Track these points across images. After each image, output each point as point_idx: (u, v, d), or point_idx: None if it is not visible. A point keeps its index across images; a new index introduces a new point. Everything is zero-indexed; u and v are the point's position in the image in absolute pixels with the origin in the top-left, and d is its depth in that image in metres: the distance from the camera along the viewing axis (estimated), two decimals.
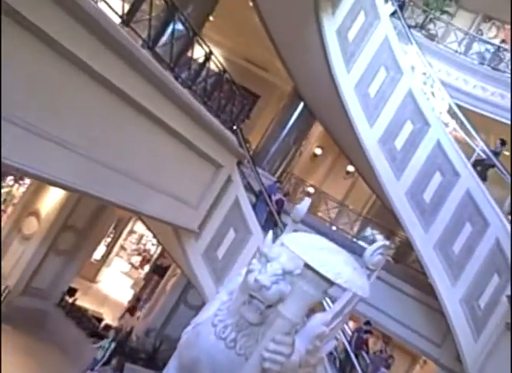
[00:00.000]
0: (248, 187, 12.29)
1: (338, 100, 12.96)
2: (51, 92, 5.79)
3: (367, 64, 12.91)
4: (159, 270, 20.94)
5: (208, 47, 9.26)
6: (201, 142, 9.47)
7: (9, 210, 18.26)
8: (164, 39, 8.31)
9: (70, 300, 17.17)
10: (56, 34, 5.29)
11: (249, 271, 3.59)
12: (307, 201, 6.42)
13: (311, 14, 12.06)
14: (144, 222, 14.61)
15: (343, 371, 11.78)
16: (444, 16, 17.66)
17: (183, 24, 8.35)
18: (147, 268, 25.24)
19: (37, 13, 4.98)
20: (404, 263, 15.59)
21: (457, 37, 17.07)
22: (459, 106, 13.53)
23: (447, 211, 11.97)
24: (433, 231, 11.91)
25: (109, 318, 18.38)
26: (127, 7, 6.97)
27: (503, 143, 13.26)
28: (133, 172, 8.03)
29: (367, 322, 13.72)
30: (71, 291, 17.62)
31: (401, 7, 14.67)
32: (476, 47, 16.96)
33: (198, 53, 9.29)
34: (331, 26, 12.47)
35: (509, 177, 12.34)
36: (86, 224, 17.14)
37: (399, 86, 12.82)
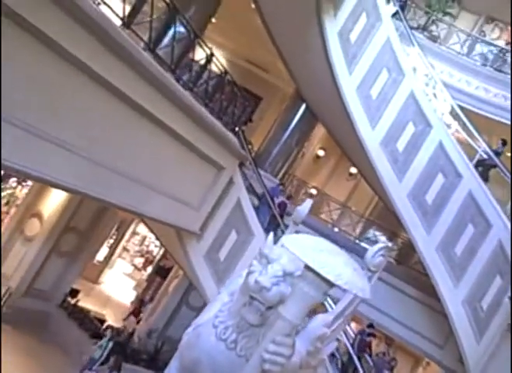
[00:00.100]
0: (250, 189, 12.28)
1: (340, 102, 12.95)
2: (52, 93, 5.80)
3: (369, 65, 12.91)
4: (161, 272, 20.98)
5: (210, 49, 9.27)
6: (203, 144, 9.47)
7: (12, 211, 18.31)
8: (165, 41, 8.32)
9: (72, 301, 17.19)
10: (57, 36, 5.30)
11: (249, 272, 3.59)
12: (308, 203, 6.43)
13: (313, 16, 12.07)
14: (146, 224, 14.62)
15: None
16: (447, 18, 17.67)
17: (184, 26, 8.36)
18: (150, 269, 25.28)
19: (38, 15, 4.99)
20: (406, 265, 15.56)
21: (459, 39, 17.07)
22: (461, 108, 13.52)
23: (450, 213, 11.96)
24: (436, 232, 11.89)
25: (111, 320, 18.38)
26: (128, 9, 6.97)
27: (504, 143, 13.26)
28: (134, 173, 8.03)
29: (370, 325, 13.71)
30: (74, 293, 17.63)
31: (403, 8, 14.67)
32: (479, 48, 16.96)
33: (200, 55, 9.30)
34: (332, 27, 12.47)
35: (509, 176, 12.34)
36: (88, 225, 17.17)
37: (401, 88, 12.82)
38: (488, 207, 11.82)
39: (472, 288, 11.48)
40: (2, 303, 14.88)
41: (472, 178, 12.07)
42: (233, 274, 10.56)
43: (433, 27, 17.33)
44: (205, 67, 9.38)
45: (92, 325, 16.29)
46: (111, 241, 24.60)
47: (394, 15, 13.62)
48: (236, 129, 11.15)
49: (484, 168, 12.47)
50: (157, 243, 25.38)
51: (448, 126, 13.00)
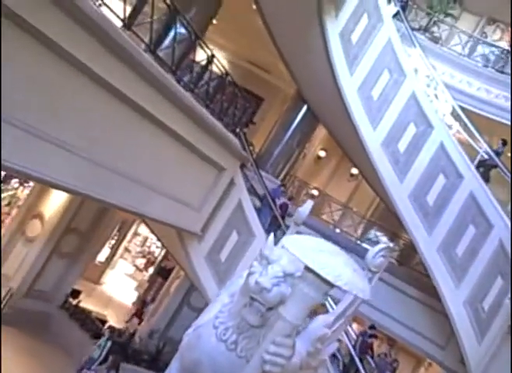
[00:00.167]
0: (252, 190, 12.28)
1: (341, 103, 12.95)
2: (52, 94, 5.80)
3: (370, 66, 12.91)
4: (163, 273, 20.97)
5: (211, 50, 9.27)
6: (204, 145, 9.48)
7: (14, 212, 18.33)
8: (166, 42, 8.33)
9: (73, 302, 17.19)
10: (57, 37, 5.30)
11: (250, 273, 3.60)
12: (309, 204, 6.44)
13: (314, 17, 12.06)
14: (147, 225, 14.63)
15: None
16: (448, 19, 17.66)
17: (185, 27, 8.37)
18: (151, 270, 25.28)
19: (38, 16, 4.99)
20: (407, 266, 15.56)
21: (461, 40, 17.06)
22: (463, 108, 13.51)
23: (451, 213, 11.95)
24: (437, 233, 11.88)
25: (113, 320, 18.38)
26: (129, 9, 6.98)
27: (504, 143, 13.26)
28: (135, 174, 8.04)
29: (372, 326, 13.69)
30: (75, 293, 17.63)
31: (404, 8, 14.67)
32: (480, 49, 16.95)
33: (201, 56, 9.31)
34: (334, 28, 12.46)
35: (509, 176, 12.34)
36: (89, 226, 17.18)
37: (402, 89, 12.82)
38: (489, 207, 11.81)
39: (473, 289, 11.47)
40: (4, 304, 14.88)
41: (473, 179, 12.06)
42: (234, 275, 10.56)
43: (435, 28, 17.33)
44: (205, 68, 9.39)
45: (93, 326, 16.27)
46: (113, 241, 24.60)
47: (395, 15, 13.62)
48: (237, 130, 11.14)
49: (485, 168, 12.47)
50: (159, 244, 25.35)
51: (449, 127, 12.99)
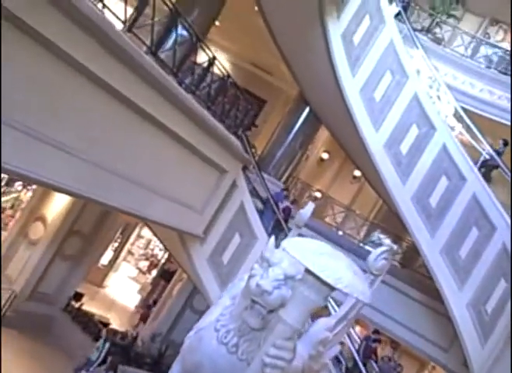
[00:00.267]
0: (254, 193, 12.27)
1: (344, 104, 12.92)
2: (53, 96, 5.79)
3: (372, 68, 12.87)
4: (166, 275, 20.97)
5: (212, 52, 9.26)
6: (205, 147, 9.46)
7: (17, 215, 18.37)
8: (168, 44, 8.32)
9: (76, 305, 17.20)
10: (57, 38, 5.29)
11: (251, 276, 3.59)
12: (310, 206, 6.43)
13: (316, 18, 12.04)
14: (150, 227, 14.62)
15: None
16: (451, 20, 17.62)
17: (186, 30, 8.36)
18: (155, 273, 25.28)
19: (38, 18, 4.98)
20: (410, 268, 15.50)
21: (463, 41, 17.02)
22: (465, 110, 13.48)
23: (454, 216, 11.91)
24: (440, 235, 11.84)
25: (116, 323, 18.39)
26: (130, 11, 6.97)
27: (505, 143, 13.24)
28: (136, 176, 8.02)
29: (376, 331, 13.64)
30: (78, 296, 17.65)
31: (405, 8, 14.65)
32: (483, 50, 16.90)
33: (203, 57, 9.30)
34: (336, 30, 12.44)
35: (509, 174, 12.31)
36: (92, 229, 17.18)
37: (405, 90, 12.78)
38: (492, 209, 11.77)
39: (477, 291, 11.42)
40: (7, 307, 14.89)
41: (476, 181, 12.02)
42: (237, 277, 10.53)
43: (437, 29, 17.28)
44: (207, 70, 9.38)
45: (95, 329, 16.26)
46: (116, 244, 24.63)
47: (397, 15, 13.60)
48: (239, 132, 11.13)
49: (486, 169, 12.45)
50: (162, 247, 25.39)
51: (452, 128, 12.96)
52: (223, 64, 10.33)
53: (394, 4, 13.60)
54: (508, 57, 16.38)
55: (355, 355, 11.83)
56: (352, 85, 12.82)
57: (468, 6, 18.29)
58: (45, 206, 16.59)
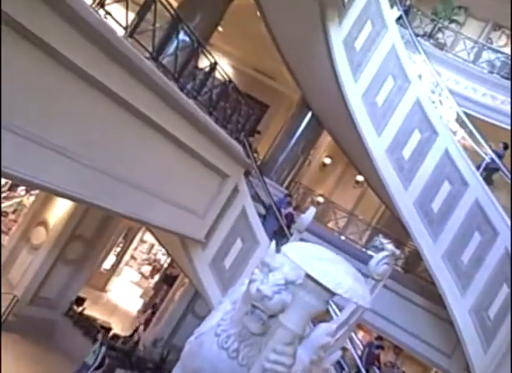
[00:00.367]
0: (256, 198, 12.27)
1: (346, 109, 12.93)
2: (53, 101, 5.80)
3: (374, 73, 12.89)
4: (168, 280, 20.95)
5: (213, 57, 9.28)
6: (207, 152, 9.48)
7: (20, 219, 18.40)
8: (169, 49, 8.34)
9: (78, 309, 17.18)
10: (58, 44, 5.30)
11: (251, 281, 3.58)
12: (312, 211, 6.42)
13: (318, 24, 12.07)
14: (152, 232, 14.63)
15: None
16: (453, 25, 17.63)
17: (188, 36, 8.38)
18: (157, 278, 25.26)
19: (38, 23, 5.00)
20: (413, 273, 15.48)
21: (466, 46, 17.03)
22: (468, 115, 13.48)
23: (456, 221, 11.88)
24: (442, 240, 11.82)
25: (118, 328, 18.36)
26: (132, 16, 7.00)
27: (505, 147, 13.24)
28: (138, 181, 8.03)
29: (379, 337, 13.60)
30: (80, 301, 17.61)
31: (407, 12, 14.66)
32: (486, 55, 16.90)
33: (205, 62, 9.32)
34: (337, 35, 12.46)
35: (510, 176, 12.31)
36: (94, 233, 17.18)
37: (407, 95, 12.79)
38: (494, 214, 11.74)
39: (479, 297, 11.39)
40: (8, 311, 14.88)
41: (479, 186, 12.01)
42: (238, 282, 10.50)
43: (440, 35, 17.30)
44: (209, 75, 9.39)
45: (97, 334, 16.25)
46: (118, 249, 24.61)
47: (398, 19, 13.62)
48: (241, 137, 11.13)
49: (487, 172, 12.44)
50: (165, 251, 25.37)
51: (454, 133, 12.95)
52: (226, 69, 10.34)
53: (395, 8, 13.61)
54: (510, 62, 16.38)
55: (358, 362, 11.80)
56: (354, 90, 12.83)
57: (470, 11, 18.30)
58: (47, 211, 16.60)
